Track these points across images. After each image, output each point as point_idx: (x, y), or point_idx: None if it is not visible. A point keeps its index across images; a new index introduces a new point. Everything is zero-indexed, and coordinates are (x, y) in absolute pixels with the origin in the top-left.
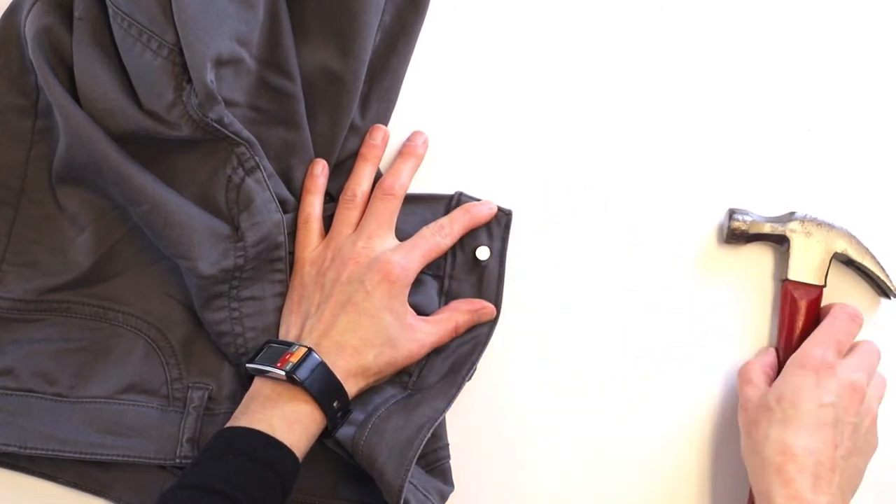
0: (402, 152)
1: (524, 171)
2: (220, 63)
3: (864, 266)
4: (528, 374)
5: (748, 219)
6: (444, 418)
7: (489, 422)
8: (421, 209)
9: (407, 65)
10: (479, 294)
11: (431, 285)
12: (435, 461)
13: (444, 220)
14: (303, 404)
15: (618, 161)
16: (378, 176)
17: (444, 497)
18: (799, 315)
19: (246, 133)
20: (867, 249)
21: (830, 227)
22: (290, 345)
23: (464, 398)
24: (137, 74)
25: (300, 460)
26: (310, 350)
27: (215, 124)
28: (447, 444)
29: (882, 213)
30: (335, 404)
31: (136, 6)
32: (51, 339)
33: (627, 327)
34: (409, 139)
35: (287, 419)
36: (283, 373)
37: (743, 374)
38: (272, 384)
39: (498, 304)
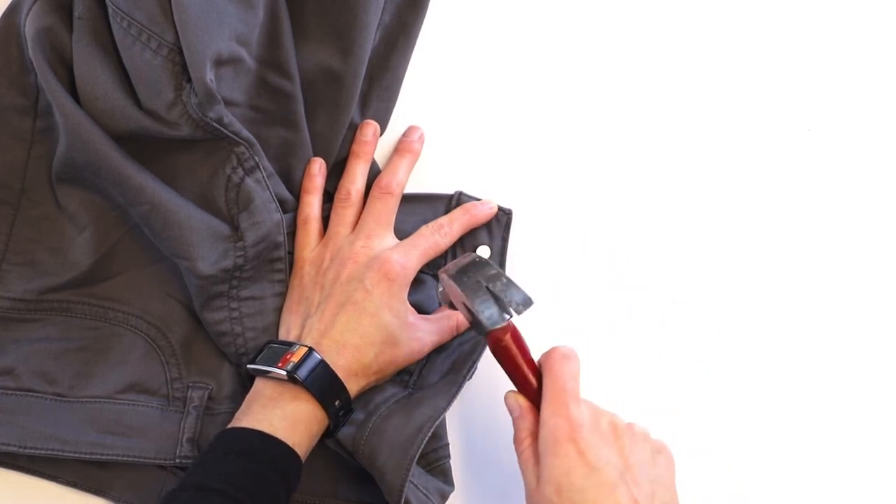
0: (399, 149)
1: (524, 170)
2: (219, 63)
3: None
4: None
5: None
6: (444, 418)
7: (489, 422)
8: (421, 209)
9: (407, 64)
10: None
11: (431, 285)
12: (435, 461)
13: (443, 220)
14: (304, 404)
15: (618, 161)
16: (374, 171)
17: (445, 497)
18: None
19: (245, 133)
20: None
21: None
22: (290, 345)
23: (464, 398)
24: (137, 74)
25: (302, 460)
26: (310, 349)
27: (215, 124)
28: (447, 444)
29: (882, 212)
30: (337, 403)
31: (136, 5)
32: (51, 338)
33: (628, 327)
34: (404, 135)
35: (289, 419)
36: (284, 373)
37: (520, 457)
38: (273, 384)
39: None
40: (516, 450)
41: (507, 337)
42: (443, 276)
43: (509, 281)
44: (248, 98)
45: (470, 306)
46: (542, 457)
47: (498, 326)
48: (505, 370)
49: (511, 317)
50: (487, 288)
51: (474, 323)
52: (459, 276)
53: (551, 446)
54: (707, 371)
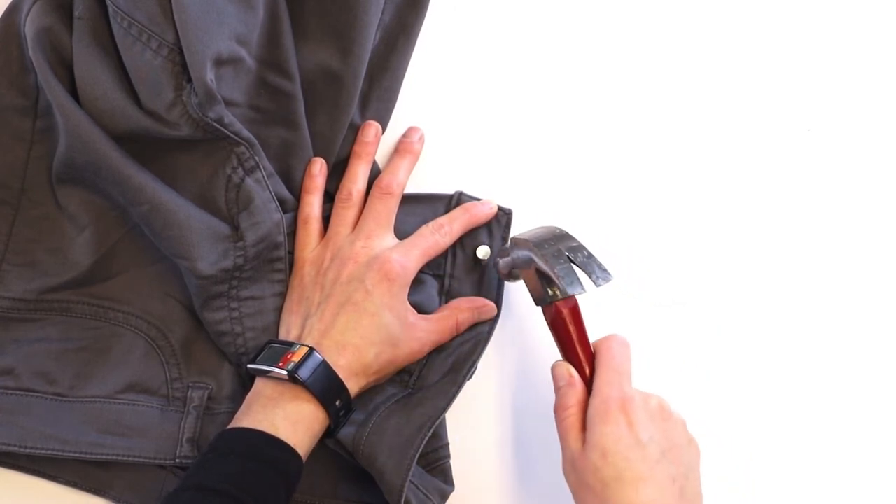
0: (399, 149)
1: (524, 170)
2: (219, 63)
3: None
4: (528, 374)
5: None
6: (444, 418)
7: (489, 422)
8: (421, 209)
9: (407, 65)
10: (479, 293)
11: (432, 285)
12: (435, 461)
13: (443, 219)
14: (305, 403)
15: (618, 160)
16: (375, 171)
17: (445, 496)
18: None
19: (246, 133)
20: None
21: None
22: (291, 344)
23: (464, 398)
24: (137, 74)
25: (303, 460)
26: (311, 349)
27: (215, 124)
28: (447, 444)
29: (882, 212)
30: (337, 403)
31: (136, 5)
32: (51, 338)
33: (627, 326)
34: (404, 136)
35: (290, 419)
36: (284, 372)
37: (563, 422)
38: (274, 384)
39: (498, 303)
40: (558, 416)
41: (568, 311)
42: (518, 241)
43: (591, 254)
44: (248, 98)
45: (548, 271)
46: (592, 423)
47: (576, 293)
48: (559, 343)
49: (583, 291)
50: (568, 257)
51: (539, 290)
52: (540, 244)
53: (602, 414)
54: (707, 371)
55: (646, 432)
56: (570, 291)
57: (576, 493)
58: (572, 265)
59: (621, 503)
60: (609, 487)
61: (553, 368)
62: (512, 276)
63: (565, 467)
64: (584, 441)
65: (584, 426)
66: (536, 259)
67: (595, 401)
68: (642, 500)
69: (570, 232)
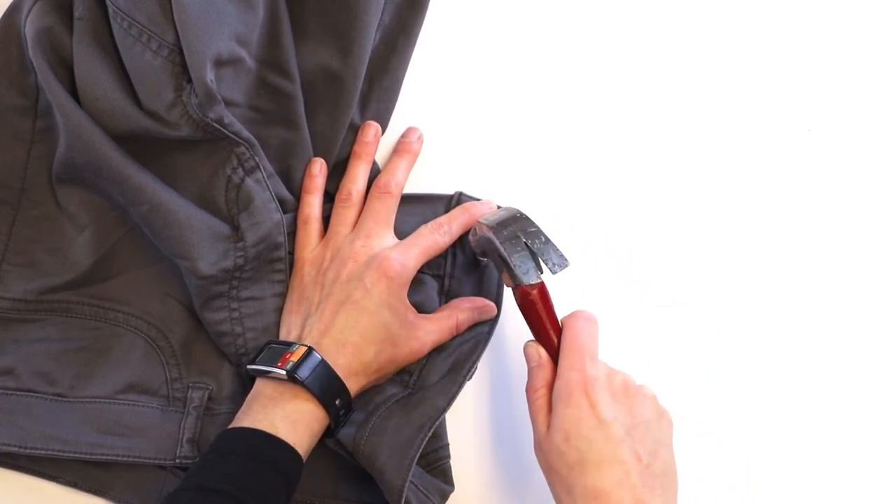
0: (397, 150)
1: (524, 171)
2: (219, 63)
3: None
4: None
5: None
6: (444, 418)
7: (489, 422)
8: (421, 209)
9: (407, 65)
10: (479, 293)
11: (432, 285)
12: (435, 461)
13: (442, 219)
14: (305, 403)
15: (618, 160)
16: (375, 172)
17: (445, 497)
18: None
19: (246, 133)
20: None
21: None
22: (290, 344)
23: (464, 398)
24: (137, 74)
25: (303, 460)
26: (310, 349)
27: (215, 124)
28: (447, 444)
29: (882, 212)
30: (337, 402)
31: (136, 6)
32: (51, 339)
33: (627, 326)
34: (403, 136)
35: (289, 418)
36: (283, 372)
37: (532, 405)
38: (273, 384)
39: (498, 303)
40: (529, 397)
41: (536, 293)
42: (481, 224)
43: (548, 240)
44: (249, 98)
45: (506, 258)
46: (555, 406)
47: (530, 282)
48: (529, 325)
49: (542, 273)
50: (526, 243)
51: (507, 275)
52: (499, 228)
53: (565, 397)
54: (707, 371)
55: (609, 412)
56: (525, 280)
57: (546, 476)
58: (529, 252)
59: (585, 486)
60: (573, 471)
61: (524, 349)
62: (486, 256)
63: (535, 450)
64: (549, 424)
65: (551, 408)
66: (496, 244)
67: (558, 383)
68: (606, 482)
69: (530, 216)
